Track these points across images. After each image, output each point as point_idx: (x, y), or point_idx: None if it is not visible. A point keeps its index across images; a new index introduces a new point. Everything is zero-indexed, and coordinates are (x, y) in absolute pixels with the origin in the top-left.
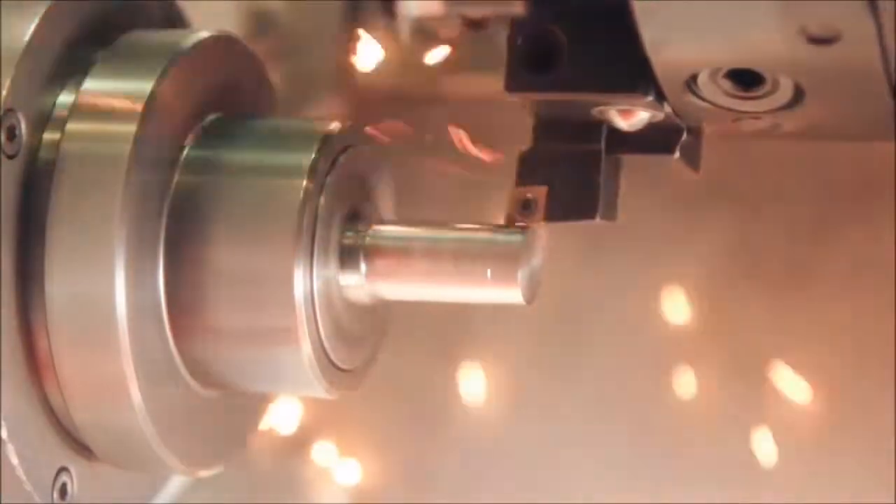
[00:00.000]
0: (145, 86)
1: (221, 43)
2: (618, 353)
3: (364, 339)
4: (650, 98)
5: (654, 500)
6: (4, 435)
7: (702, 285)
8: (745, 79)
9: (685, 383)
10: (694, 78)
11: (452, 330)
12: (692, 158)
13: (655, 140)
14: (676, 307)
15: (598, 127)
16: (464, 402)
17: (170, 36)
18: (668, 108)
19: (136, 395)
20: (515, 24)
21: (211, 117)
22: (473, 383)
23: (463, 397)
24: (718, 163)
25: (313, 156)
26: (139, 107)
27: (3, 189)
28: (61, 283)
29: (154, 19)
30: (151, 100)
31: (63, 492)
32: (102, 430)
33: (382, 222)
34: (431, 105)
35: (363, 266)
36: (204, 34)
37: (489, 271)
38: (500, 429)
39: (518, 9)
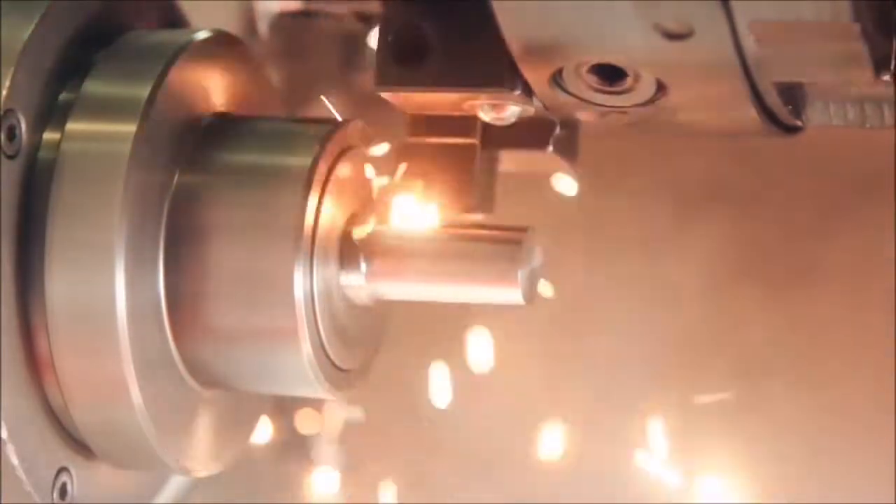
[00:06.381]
0: (145, 86)
1: (221, 43)
2: (618, 352)
3: (364, 339)
4: (517, 92)
5: (654, 500)
6: (4, 435)
7: (702, 285)
8: (609, 74)
9: (685, 383)
10: (559, 72)
11: (453, 329)
12: (568, 152)
13: (530, 134)
14: (677, 307)
15: (473, 121)
16: (463, 402)
17: (170, 36)
18: (537, 103)
19: (136, 395)
20: (385, 20)
21: (211, 117)
22: (473, 383)
23: (462, 397)
24: (718, 163)
25: (313, 156)
26: (139, 107)
27: (3, 189)
28: (61, 283)
29: (154, 19)
30: (151, 100)
31: (63, 492)
32: (102, 429)
33: (382, 222)
34: None
35: (363, 266)
36: (204, 34)
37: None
38: (499, 428)
39: (374, 6)
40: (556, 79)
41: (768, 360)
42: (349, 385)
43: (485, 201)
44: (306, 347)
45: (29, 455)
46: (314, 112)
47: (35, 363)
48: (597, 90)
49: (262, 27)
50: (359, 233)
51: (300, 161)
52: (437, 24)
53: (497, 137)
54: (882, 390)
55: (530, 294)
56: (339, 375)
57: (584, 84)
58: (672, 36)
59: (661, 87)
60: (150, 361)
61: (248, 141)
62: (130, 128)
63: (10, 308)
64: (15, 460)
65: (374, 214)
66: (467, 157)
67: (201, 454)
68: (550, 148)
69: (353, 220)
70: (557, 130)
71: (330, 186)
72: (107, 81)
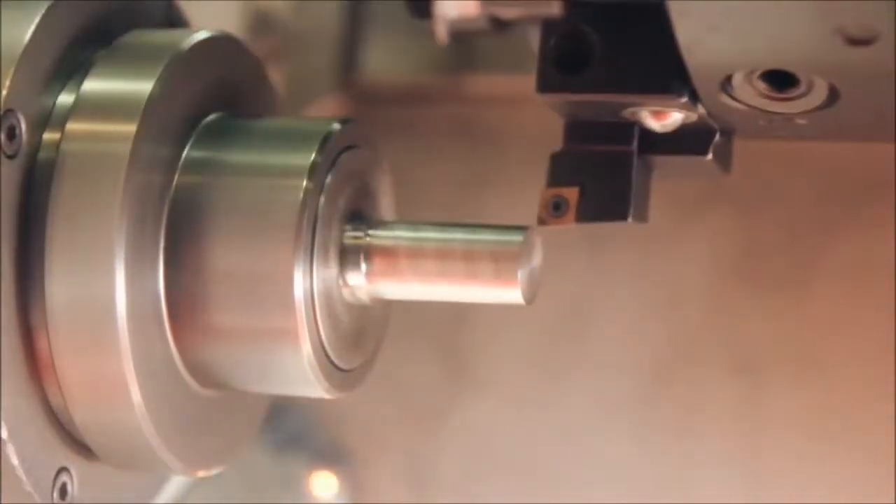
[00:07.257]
0: (145, 86)
1: (221, 43)
2: (618, 352)
3: (364, 339)
4: (684, 99)
5: (654, 500)
6: (4, 435)
7: (702, 285)
8: (780, 80)
9: (685, 382)
10: (729, 79)
11: (453, 329)
12: (723, 160)
13: (688, 141)
14: (677, 307)
15: (630, 128)
16: (464, 402)
17: (170, 36)
18: (701, 110)
19: (136, 395)
20: (547, 25)
21: (211, 117)
22: (473, 383)
23: (463, 396)
24: None
25: (313, 155)
26: (139, 107)
27: (3, 189)
28: (61, 284)
29: (154, 19)
30: (151, 100)
31: (63, 492)
32: (102, 430)
33: (382, 222)
34: (432, 105)
35: (363, 266)
36: (204, 34)
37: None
38: (500, 428)
39: (554, 9)
40: (725, 85)
41: (768, 360)
42: (349, 385)
43: (641, 209)
44: (306, 347)
45: (29, 455)
46: (314, 112)
47: (35, 363)
48: (766, 97)
49: (441, 32)
50: (359, 232)
51: (300, 161)
52: (601, 28)
53: (654, 143)
54: (882, 390)
55: (531, 294)
56: (339, 375)
57: (753, 90)
58: (854, 41)
59: (833, 93)
60: (150, 361)
61: (248, 141)
62: (130, 128)
63: (10, 308)
64: (15, 460)
65: (374, 214)
66: (624, 165)
67: (201, 454)
68: (710, 155)
69: (353, 219)
70: (717, 137)
71: (329, 186)
72: (107, 81)
